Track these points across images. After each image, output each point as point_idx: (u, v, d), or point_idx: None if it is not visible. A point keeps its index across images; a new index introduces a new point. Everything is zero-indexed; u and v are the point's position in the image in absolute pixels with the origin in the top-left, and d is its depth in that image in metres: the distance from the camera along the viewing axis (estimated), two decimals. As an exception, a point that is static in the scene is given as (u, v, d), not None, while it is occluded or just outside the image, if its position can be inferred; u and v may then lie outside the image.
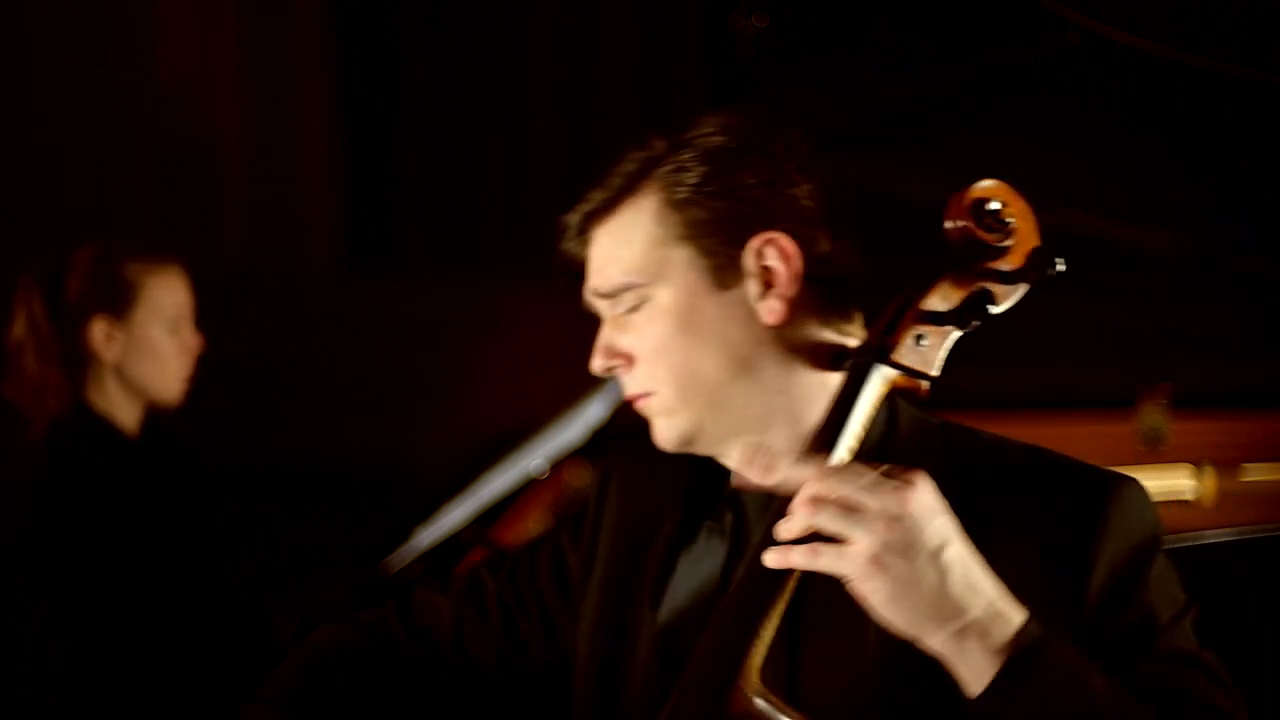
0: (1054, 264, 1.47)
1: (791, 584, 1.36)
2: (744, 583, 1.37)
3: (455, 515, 2.88)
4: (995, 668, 1.25)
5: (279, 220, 4.53)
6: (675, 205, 1.52)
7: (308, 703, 1.72)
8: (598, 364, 1.58)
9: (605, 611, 1.63)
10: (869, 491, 1.26)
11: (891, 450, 1.48)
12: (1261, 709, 1.46)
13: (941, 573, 1.26)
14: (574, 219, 1.60)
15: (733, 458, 1.57)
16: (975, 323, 1.48)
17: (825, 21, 3.19)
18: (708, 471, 1.61)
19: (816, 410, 1.51)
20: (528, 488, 2.98)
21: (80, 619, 2.63)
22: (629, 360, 1.56)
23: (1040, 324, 3.25)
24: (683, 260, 1.52)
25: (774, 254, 1.51)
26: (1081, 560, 1.39)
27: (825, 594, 1.40)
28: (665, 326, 1.52)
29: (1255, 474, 2.82)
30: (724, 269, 1.52)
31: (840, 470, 1.30)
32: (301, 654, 1.78)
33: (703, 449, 1.57)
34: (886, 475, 1.28)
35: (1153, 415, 2.92)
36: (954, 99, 3.13)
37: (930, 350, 1.47)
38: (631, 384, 1.57)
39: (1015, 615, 1.28)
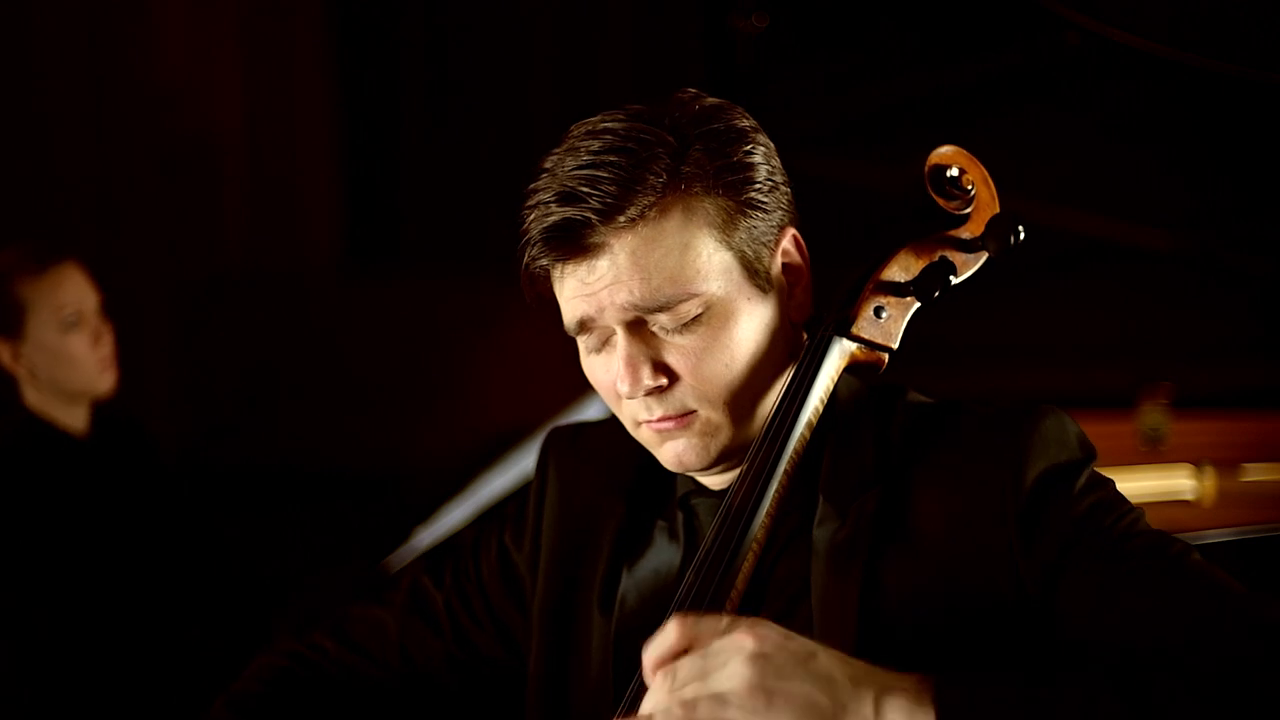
0: (1016, 232, 1.43)
1: (741, 588, 1.35)
2: (692, 590, 1.35)
3: (455, 515, 2.88)
4: (930, 704, 1.19)
5: (279, 220, 4.53)
6: (728, 208, 1.40)
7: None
8: (645, 383, 1.40)
9: (552, 613, 1.57)
10: (715, 656, 1.18)
11: (831, 416, 1.44)
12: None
13: (822, 670, 1.18)
14: (587, 220, 1.37)
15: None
16: (936, 293, 1.45)
17: (825, 22, 3.19)
18: (649, 464, 1.53)
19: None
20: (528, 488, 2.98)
21: (40, 619, 2.65)
22: (672, 380, 1.41)
23: (1041, 324, 3.26)
24: (730, 267, 1.41)
25: (792, 247, 1.46)
26: (1009, 488, 1.35)
27: (774, 600, 1.40)
28: (723, 342, 1.40)
29: (1255, 474, 2.82)
30: (761, 272, 1.43)
31: (678, 663, 1.19)
32: (233, 694, 1.68)
33: (721, 464, 1.48)
34: (722, 630, 1.20)
35: (1153, 415, 2.92)
36: (955, 98, 3.13)
37: (891, 322, 1.46)
38: (668, 405, 1.42)
39: (908, 676, 1.21)
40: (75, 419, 2.82)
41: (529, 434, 3.02)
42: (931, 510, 1.38)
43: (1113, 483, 1.40)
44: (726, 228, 1.40)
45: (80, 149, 4.26)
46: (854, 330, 1.44)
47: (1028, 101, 3.07)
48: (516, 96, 4.47)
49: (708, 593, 1.34)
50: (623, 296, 1.39)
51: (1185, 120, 2.93)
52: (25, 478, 2.73)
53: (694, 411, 1.42)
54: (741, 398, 1.42)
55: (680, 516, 1.53)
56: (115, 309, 2.90)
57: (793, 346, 1.47)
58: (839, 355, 1.44)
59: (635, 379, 1.40)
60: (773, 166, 1.44)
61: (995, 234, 1.45)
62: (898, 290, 1.46)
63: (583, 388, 3.08)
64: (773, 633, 1.19)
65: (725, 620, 1.21)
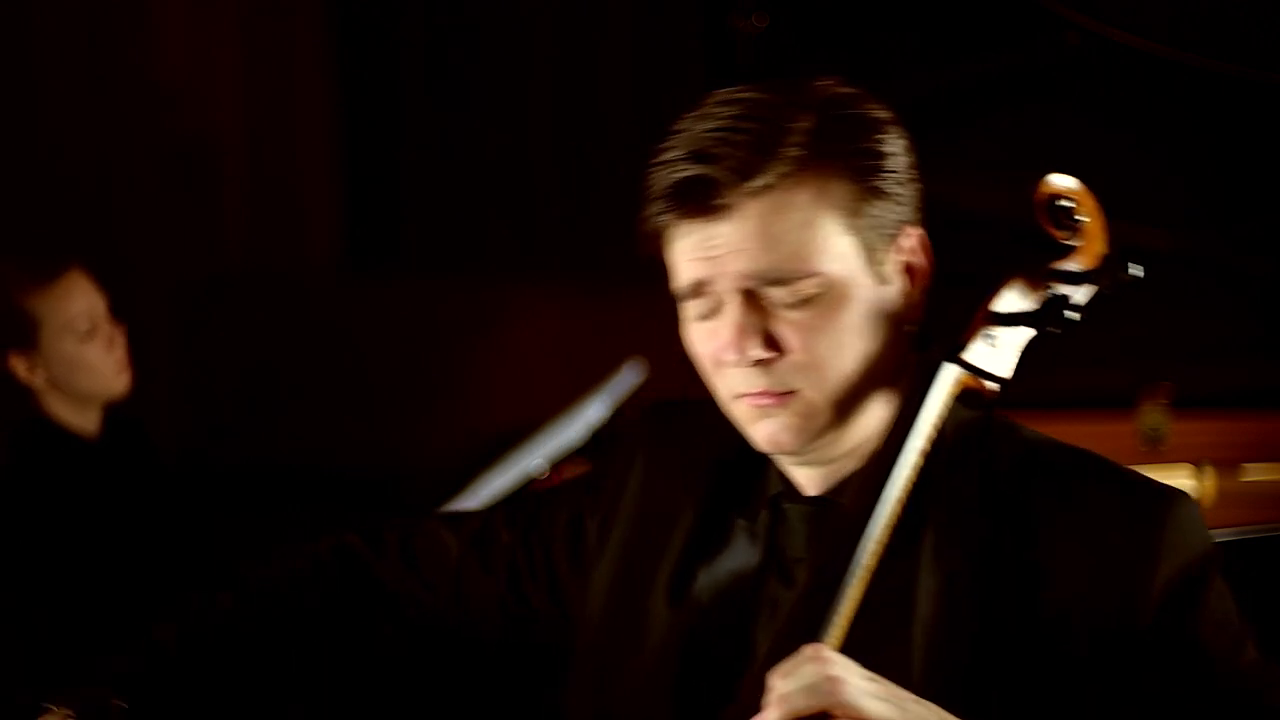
0: (1127, 268, 1.45)
1: (850, 617, 1.32)
2: (799, 616, 1.33)
3: (455, 515, 2.87)
4: None
5: (279, 220, 4.53)
6: (857, 193, 1.39)
7: (278, 604, 1.67)
8: (752, 354, 1.38)
9: (615, 594, 1.56)
10: (801, 671, 1.22)
11: (940, 445, 1.41)
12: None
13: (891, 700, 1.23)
14: (718, 180, 1.36)
15: (807, 462, 1.48)
16: (1049, 325, 1.45)
17: (825, 22, 3.19)
18: (743, 461, 1.52)
19: (887, 415, 1.45)
20: (528, 488, 2.98)
21: (45, 619, 2.66)
22: (779, 353, 1.40)
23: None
24: (853, 250, 1.40)
25: (915, 245, 1.45)
26: (1141, 581, 1.35)
27: (868, 619, 1.37)
28: (837, 325, 1.39)
29: (1255, 474, 2.81)
30: (882, 263, 1.41)
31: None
32: (290, 558, 1.71)
33: (812, 454, 1.46)
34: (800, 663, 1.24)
35: (1153, 415, 2.92)
36: (955, 98, 3.13)
37: (1002, 351, 1.44)
38: (771, 379, 1.40)
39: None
40: (88, 421, 2.83)
41: (529, 434, 3.02)
42: (1052, 566, 1.37)
43: (1230, 595, 1.40)
44: (853, 212, 1.39)
45: (80, 150, 4.26)
46: (964, 356, 1.42)
47: (1028, 101, 3.07)
48: (516, 96, 4.47)
49: (814, 622, 1.31)
50: (742, 264, 1.37)
51: (1185, 120, 2.93)
52: (43, 482, 2.74)
53: (795, 391, 1.40)
54: (845, 383, 1.40)
55: (765, 518, 1.50)
56: (116, 309, 2.90)
57: (901, 351, 1.45)
58: (950, 382, 1.42)
59: (743, 347, 1.38)
60: (906, 161, 1.44)
61: (1109, 269, 1.46)
62: (1010, 320, 1.44)
63: (582, 388, 3.08)
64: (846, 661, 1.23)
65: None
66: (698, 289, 1.41)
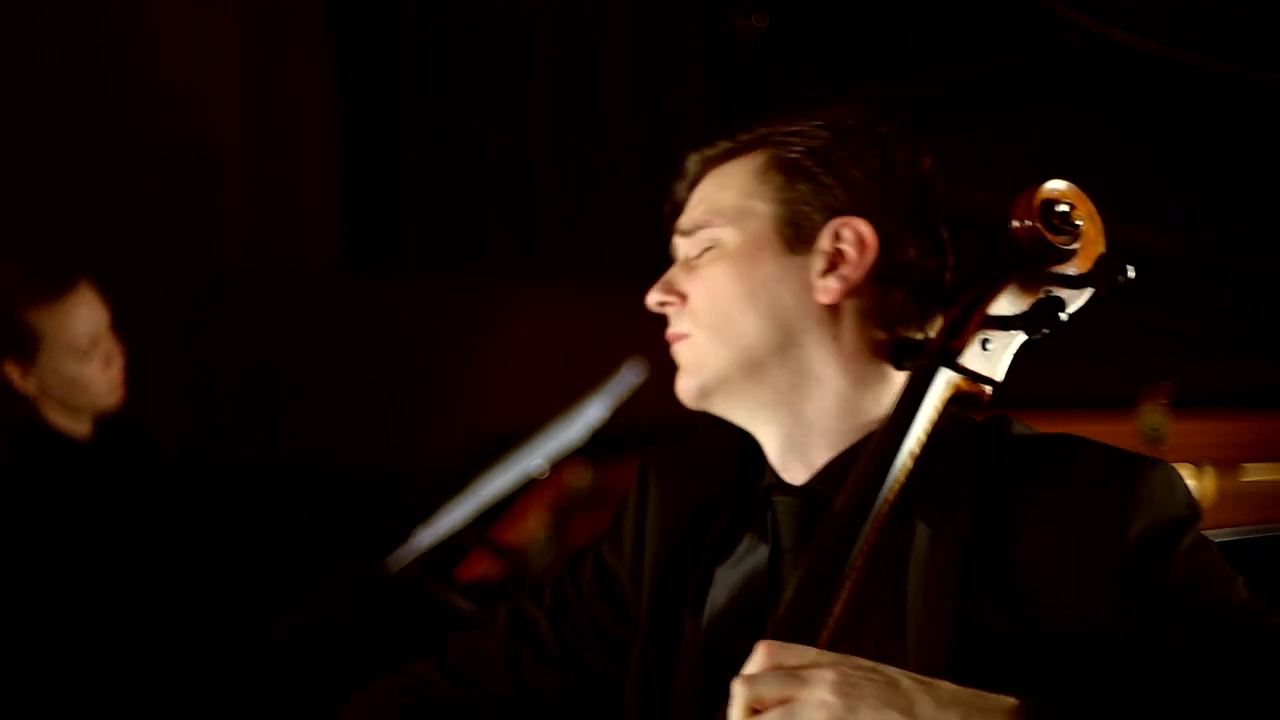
0: (1124, 271, 1.46)
1: (838, 615, 1.33)
2: (788, 615, 1.34)
3: (455, 515, 2.88)
4: None
5: (279, 220, 4.53)
6: (779, 165, 1.52)
7: None
8: (653, 298, 1.55)
9: (655, 620, 1.58)
10: (798, 677, 1.23)
11: (933, 445, 1.43)
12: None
13: (913, 692, 1.24)
14: (692, 163, 1.59)
15: (765, 437, 1.53)
16: (1042, 328, 1.45)
17: (825, 22, 3.19)
18: (744, 464, 1.57)
19: (874, 405, 1.50)
20: (528, 488, 2.98)
21: (42, 620, 2.67)
22: (682, 299, 1.54)
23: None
24: (763, 215, 1.51)
25: (851, 238, 1.49)
26: (1112, 539, 1.36)
27: (861, 615, 1.38)
28: (722, 271, 1.51)
29: (1255, 474, 2.82)
30: (797, 237, 1.50)
31: (763, 674, 1.24)
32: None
33: (723, 408, 1.53)
34: (810, 662, 1.24)
35: (1153, 415, 2.92)
36: (955, 98, 3.13)
37: (995, 355, 1.45)
38: (676, 322, 1.55)
39: (1005, 698, 1.26)
40: (80, 425, 2.83)
41: (529, 434, 3.02)
42: (1033, 548, 1.39)
43: (1214, 546, 1.41)
44: (772, 185, 1.52)
45: (80, 149, 4.26)
46: (959, 361, 1.44)
47: (1028, 101, 3.07)
48: (516, 96, 4.47)
49: (804, 618, 1.32)
50: (678, 223, 1.58)
51: (1185, 120, 2.93)
52: (33, 483, 2.74)
53: (687, 335, 1.53)
54: (729, 337, 1.50)
55: (768, 516, 1.53)
56: (115, 310, 2.90)
57: (825, 329, 1.50)
58: (944, 385, 1.43)
59: (654, 292, 1.55)
60: (859, 158, 1.53)
61: (1104, 272, 1.47)
62: (1005, 324, 1.45)
63: (582, 388, 3.08)
64: (858, 671, 1.24)
65: (814, 653, 1.25)
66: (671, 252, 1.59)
